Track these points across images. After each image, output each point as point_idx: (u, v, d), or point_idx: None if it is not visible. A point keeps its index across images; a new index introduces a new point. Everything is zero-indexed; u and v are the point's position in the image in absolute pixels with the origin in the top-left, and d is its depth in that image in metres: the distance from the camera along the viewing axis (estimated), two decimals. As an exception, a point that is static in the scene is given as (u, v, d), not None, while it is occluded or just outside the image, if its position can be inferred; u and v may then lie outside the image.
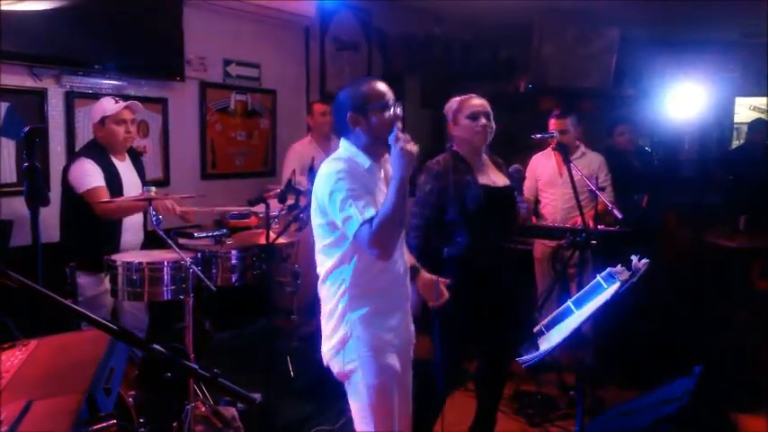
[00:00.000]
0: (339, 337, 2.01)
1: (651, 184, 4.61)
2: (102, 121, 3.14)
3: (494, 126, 2.70)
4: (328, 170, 1.98)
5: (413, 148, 1.92)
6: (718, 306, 3.87)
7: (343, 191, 1.90)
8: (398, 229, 1.94)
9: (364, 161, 2.03)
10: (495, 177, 2.74)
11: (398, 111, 2.05)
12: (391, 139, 1.94)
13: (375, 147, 2.03)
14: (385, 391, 2.01)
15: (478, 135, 2.66)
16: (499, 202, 2.64)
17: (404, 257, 2.15)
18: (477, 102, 2.71)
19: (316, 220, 2.03)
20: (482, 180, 2.67)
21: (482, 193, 2.62)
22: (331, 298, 2.04)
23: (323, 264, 2.05)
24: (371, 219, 1.86)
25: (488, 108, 2.70)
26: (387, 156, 2.07)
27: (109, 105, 3.15)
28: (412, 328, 2.20)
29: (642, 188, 4.50)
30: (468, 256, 2.64)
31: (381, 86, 2.05)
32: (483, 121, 2.66)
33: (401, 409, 2.11)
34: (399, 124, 2.02)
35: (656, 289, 3.94)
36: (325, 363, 2.09)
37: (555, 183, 4.04)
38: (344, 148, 2.07)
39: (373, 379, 1.98)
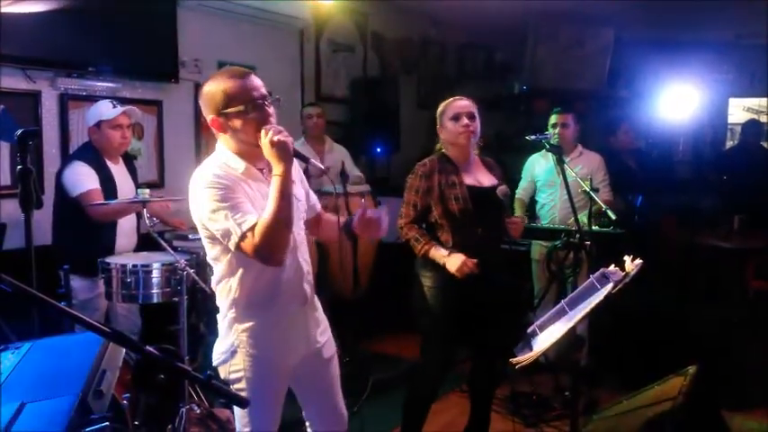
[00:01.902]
0: (227, 346, 1.93)
1: (647, 185, 4.63)
2: (99, 124, 3.14)
3: (478, 126, 2.73)
4: (200, 180, 1.80)
5: (284, 137, 1.77)
6: (712, 306, 3.88)
7: (215, 203, 1.75)
8: (285, 232, 1.77)
9: (238, 165, 1.85)
10: (481, 178, 2.76)
11: (270, 109, 1.87)
12: (260, 136, 1.78)
13: (248, 150, 1.85)
14: (264, 387, 1.94)
15: (461, 135, 2.69)
16: (484, 202, 2.67)
17: (305, 260, 2.00)
18: (460, 103, 2.74)
19: (200, 231, 1.89)
20: (467, 180, 2.70)
21: (467, 194, 2.65)
22: (221, 307, 1.96)
23: (214, 273, 1.96)
24: (252, 227, 1.72)
25: (471, 109, 2.73)
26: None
27: (106, 110, 3.15)
28: (319, 330, 2.07)
29: (637, 188, 4.53)
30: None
31: (242, 83, 1.83)
32: (465, 121, 2.69)
33: (325, 407, 2.13)
34: (272, 120, 1.85)
35: (651, 289, 3.95)
36: (213, 363, 2.02)
37: (553, 183, 4.05)
38: (217, 150, 1.91)
39: (253, 393, 1.91)
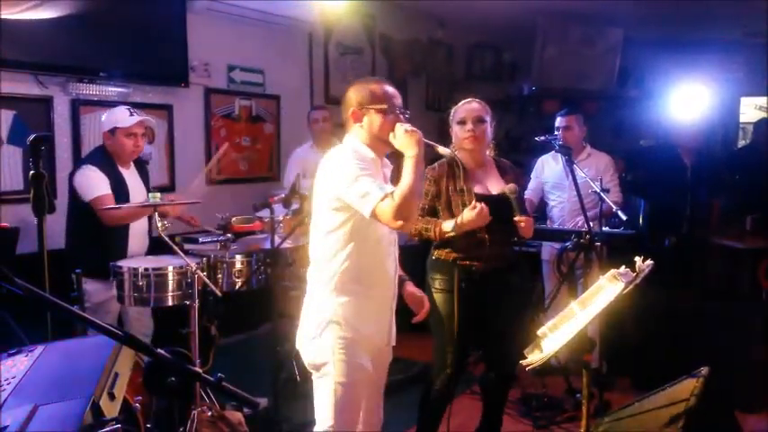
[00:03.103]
0: (318, 321, 2.05)
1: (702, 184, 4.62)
2: (113, 131, 3.17)
3: (486, 130, 2.70)
4: (339, 156, 2.05)
5: (417, 130, 2.03)
6: (725, 307, 3.85)
7: (358, 170, 1.96)
8: (417, 203, 2.01)
9: (367, 153, 2.09)
10: (492, 184, 2.72)
11: (404, 116, 2.11)
12: (396, 129, 2.04)
13: (375, 144, 2.10)
14: (353, 390, 2.05)
15: (466, 140, 2.68)
16: (492, 210, 2.58)
17: (395, 261, 2.21)
18: (467, 107, 2.72)
19: (320, 203, 2.07)
20: (476, 188, 2.68)
21: (460, 205, 2.62)
22: (319, 279, 2.09)
23: (319, 245, 2.10)
24: (391, 193, 1.92)
25: (479, 113, 2.69)
26: (385, 160, 2.17)
27: (123, 117, 3.17)
28: (393, 330, 2.24)
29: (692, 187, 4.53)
30: (459, 261, 2.66)
31: (388, 89, 2.13)
32: (469, 126, 2.66)
33: (370, 409, 2.18)
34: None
35: (664, 290, 3.93)
36: (297, 346, 2.14)
37: (562, 184, 4.03)
38: (347, 142, 2.14)
39: (343, 377, 2.02)
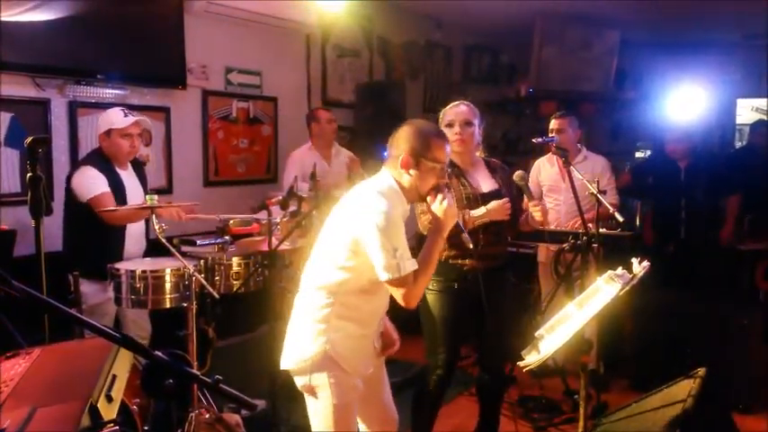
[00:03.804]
0: (313, 350, 2.01)
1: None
2: (109, 132, 3.17)
3: (474, 132, 2.72)
4: (376, 197, 1.96)
5: (454, 209, 2.02)
6: (722, 308, 3.86)
7: (390, 236, 1.90)
8: (428, 283, 2.05)
9: (403, 201, 2.05)
10: (483, 183, 2.75)
11: (445, 179, 2.08)
12: (439, 197, 2.01)
13: (412, 193, 2.05)
14: (348, 408, 2.05)
15: (455, 143, 2.69)
16: (479, 206, 2.64)
17: (388, 296, 2.15)
18: (455, 110, 2.75)
19: (337, 236, 2.02)
20: (467, 185, 2.70)
21: (465, 199, 2.65)
22: (317, 307, 2.03)
23: (323, 273, 2.05)
24: (412, 276, 1.92)
25: (466, 116, 2.72)
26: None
27: (117, 118, 3.17)
28: (378, 343, 2.24)
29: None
30: (452, 261, 2.68)
31: (445, 147, 2.06)
32: (457, 129, 2.70)
33: (380, 408, 2.24)
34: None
35: (660, 291, 3.93)
36: (283, 367, 2.10)
37: (558, 187, 4.04)
38: (388, 182, 2.05)
39: (337, 398, 2.01)
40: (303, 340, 2.04)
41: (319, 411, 2.05)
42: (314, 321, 2.03)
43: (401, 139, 2.04)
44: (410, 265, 1.92)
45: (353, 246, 1.96)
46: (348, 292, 2.01)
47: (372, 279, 1.97)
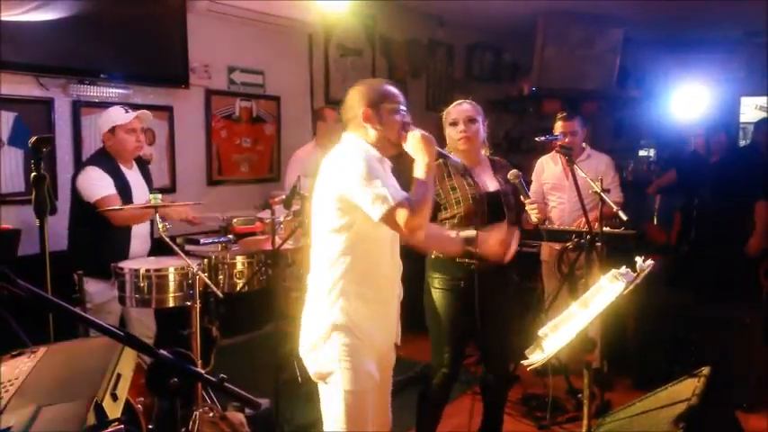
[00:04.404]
0: (321, 328, 1.98)
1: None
2: (113, 130, 3.18)
3: (479, 130, 2.72)
4: (347, 154, 1.98)
5: (431, 137, 2.00)
6: (726, 307, 3.85)
7: (370, 171, 1.89)
8: (429, 212, 1.95)
9: (376, 153, 2.04)
10: (487, 181, 2.75)
11: (408, 118, 2.07)
12: (407, 131, 2.01)
13: (384, 145, 2.05)
14: (362, 397, 1.98)
15: (460, 141, 2.71)
16: (489, 206, 2.64)
17: (398, 260, 2.14)
18: (458, 108, 2.75)
19: (323, 203, 2.00)
20: (473, 184, 2.69)
21: (470, 197, 2.65)
22: (322, 283, 2.01)
23: (321, 247, 2.02)
24: (407, 200, 1.86)
25: (470, 113, 2.72)
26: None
27: (119, 115, 3.18)
28: (399, 330, 2.20)
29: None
30: (458, 259, 2.67)
31: (396, 90, 2.10)
32: (461, 126, 2.70)
33: (379, 410, 2.13)
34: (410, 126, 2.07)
35: (665, 289, 3.93)
36: (300, 354, 2.06)
37: (561, 186, 4.02)
38: (353, 143, 2.06)
39: (351, 385, 1.95)
40: (317, 316, 2.01)
41: (331, 399, 1.98)
42: (326, 294, 1.99)
43: (354, 100, 2.07)
44: (400, 194, 1.88)
45: (341, 203, 1.94)
46: (352, 255, 1.97)
47: (371, 234, 1.96)
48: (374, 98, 2.04)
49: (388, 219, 1.86)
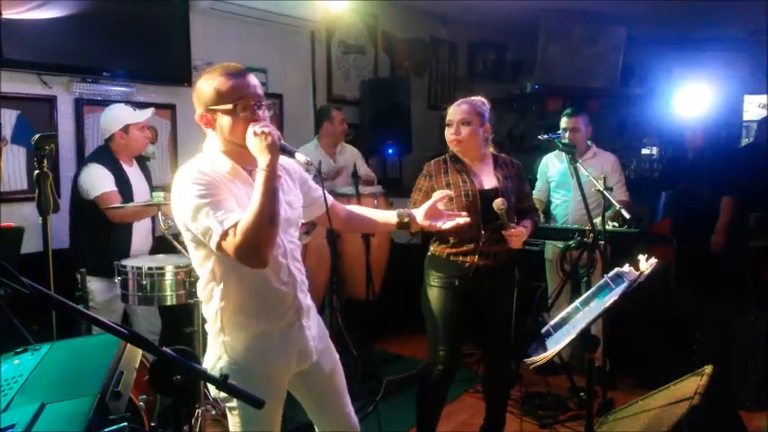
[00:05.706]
0: (212, 360, 1.82)
1: None
2: (127, 128, 3.19)
3: (470, 132, 2.67)
4: (182, 177, 1.71)
5: (269, 129, 1.69)
6: (729, 305, 3.84)
7: (198, 199, 1.65)
8: (270, 230, 1.63)
9: (224, 163, 1.76)
10: (487, 180, 2.73)
11: (261, 112, 1.76)
12: (247, 131, 1.70)
13: (235, 150, 1.76)
14: (253, 424, 1.82)
15: (452, 143, 2.71)
16: (488, 204, 2.61)
17: (297, 265, 1.88)
18: (455, 109, 2.73)
19: (184, 235, 1.79)
20: (468, 182, 2.69)
21: (468, 195, 2.64)
22: (208, 317, 1.84)
23: (199, 280, 1.84)
24: (235, 225, 1.62)
25: (464, 115, 2.68)
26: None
27: (131, 113, 3.23)
28: (318, 339, 1.94)
29: None
30: (453, 257, 2.68)
31: (236, 82, 1.74)
32: (454, 128, 2.70)
33: (334, 419, 2.02)
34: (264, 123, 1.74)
35: (667, 289, 3.92)
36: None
37: (566, 183, 4.02)
38: (205, 149, 1.82)
39: (245, 426, 1.82)
40: (208, 352, 1.84)
41: (233, 425, 1.84)
42: (211, 334, 1.84)
43: (194, 102, 1.78)
44: (231, 217, 1.63)
45: (189, 235, 1.74)
46: (223, 287, 1.77)
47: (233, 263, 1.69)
48: (209, 99, 1.74)
49: (222, 250, 1.64)
